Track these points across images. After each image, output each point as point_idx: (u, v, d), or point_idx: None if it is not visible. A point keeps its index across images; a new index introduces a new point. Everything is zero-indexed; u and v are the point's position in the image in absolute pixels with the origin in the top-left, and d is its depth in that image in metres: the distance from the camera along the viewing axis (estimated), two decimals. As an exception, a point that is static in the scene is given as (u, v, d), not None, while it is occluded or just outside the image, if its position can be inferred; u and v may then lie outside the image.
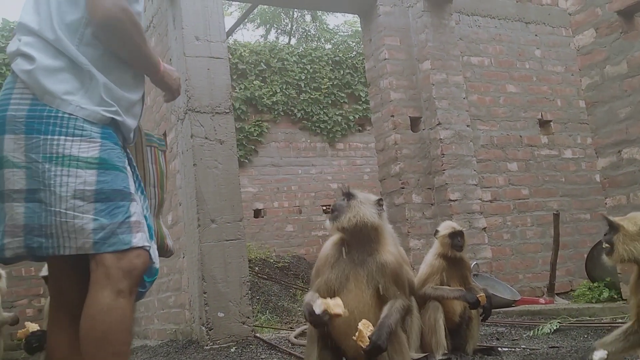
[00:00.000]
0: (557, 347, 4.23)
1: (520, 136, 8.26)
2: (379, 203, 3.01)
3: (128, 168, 2.11)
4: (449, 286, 4.16)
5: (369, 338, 2.59)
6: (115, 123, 2.09)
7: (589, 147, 8.18)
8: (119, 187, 2.00)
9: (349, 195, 2.95)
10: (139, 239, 2.01)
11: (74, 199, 1.91)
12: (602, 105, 5.48)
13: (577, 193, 8.43)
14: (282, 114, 12.13)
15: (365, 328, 2.63)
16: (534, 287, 7.63)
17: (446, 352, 3.96)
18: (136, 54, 2.16)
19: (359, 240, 2.89)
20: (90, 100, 2.02)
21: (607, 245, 2.55)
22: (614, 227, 2.52)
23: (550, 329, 4.79)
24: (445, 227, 4.36)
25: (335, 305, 2.65)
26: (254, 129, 11.71)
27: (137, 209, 2.05)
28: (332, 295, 2.80)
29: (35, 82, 1.97)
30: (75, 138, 1.95)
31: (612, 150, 5.40)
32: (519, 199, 8.04)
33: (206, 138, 6.05)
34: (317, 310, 2.62)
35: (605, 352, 2.52)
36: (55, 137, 1.94)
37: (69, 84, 2.00)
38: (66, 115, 1.96)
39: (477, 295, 4.05)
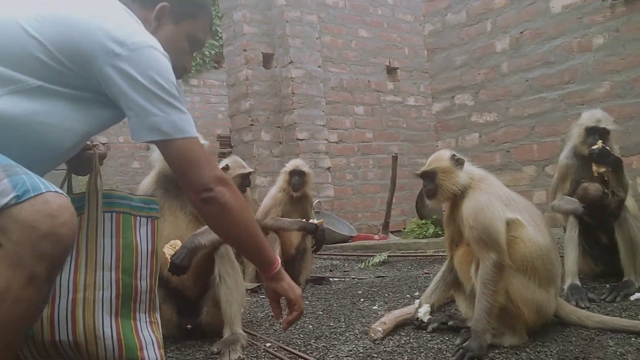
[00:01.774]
0: (382, 276, 4.50)
1: (369, 81, 8.49)
2: None
3: None
4: (290, 219, 4.29)
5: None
6: None
7: (430, 96, 8.63)
8: None
9: None
10: None
11: None
12: (441, 52, 5.76)
13: (416, 138, 8.91)
14: (133, 43, 11.39)
15: (172, 249, 2.59)
16: (371, 225, 8.03)
17: None
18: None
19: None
20: None
21: (430, 194, 2.67)
22: (430, 174, 2.65)
23: (379, 261, 5.06)
24: (290, 164, 4.44)
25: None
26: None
27: None
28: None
29: None
30: None
31: (447, 95, 5.73)
32: (363, 142, 8.33)
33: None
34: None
35: (428, 305, 2.71)
36: None
37: None
38: None
39: (316, 222, 4.24)
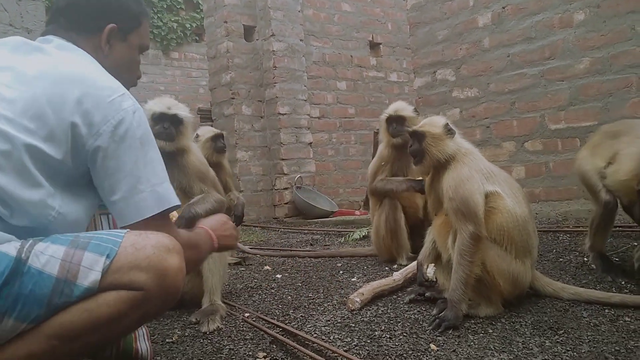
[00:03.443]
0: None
1: (351, 56, 8.43)
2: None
3: None
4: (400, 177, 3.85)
5: None
6: None
7: (412, 72, 8.60)
8: None
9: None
10: None
11: None
12: (423, 26, 5.72)
13: (399, 115, 8.86)
14: (110, 14, 11.16)
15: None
16: (353, 201, 8.05)
17: None
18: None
19: None
20: None
21: (415, 155, 2.66)
22: (419, 135, 2.64)
23: (359, 235, 5.08)
24: (389, 109, 3.95)
25: None
26: (77, 27, 10.66)
27: None
28: None
29: None
30: None
31: (429, 70, 5.72)
32: (345, 117, 8.30)
33: (11, 25, 5.35)
34: None
35: (433, 264, 2.70)
36: None
37: None
38: None
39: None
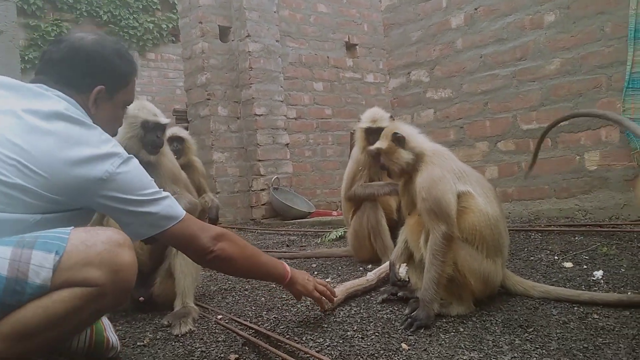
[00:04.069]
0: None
1: (328, 57, 8.44)
2: None
3: None
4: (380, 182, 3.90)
5: None
6: None
7: (388, 73, 8.65)
8: None
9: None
10: None
11: None
12: (397, 28, 5.76)
13: (375, 115, 8.89)
14: (85, 14, 11.02)
15: None
16: (330, 202, 8.06)
17: None
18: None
19: None
20: None
21: (383, 168, 2.74)
22: (374, 153, 2.70)
23: (336, 236, 5.09)
24: (365, 118, 3.92)
25: None
26: (52, 29, 10.51)
27: None
28: None
29: None
30: None
31: (403, 71, 5.75)
32: (322, 118, 8.31)
33: (-20, 25, 5.26)
34: None
35: (405, 264, 2.72)
36: None
37: None
38: None
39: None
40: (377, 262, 3.56)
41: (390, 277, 2.74)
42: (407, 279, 2.67)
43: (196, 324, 2.56)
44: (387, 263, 2.99)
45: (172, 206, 1.84)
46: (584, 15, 4.45)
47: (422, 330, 2.28)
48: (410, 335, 2.25)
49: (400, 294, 2.69)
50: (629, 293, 2.61)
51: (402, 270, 2.67)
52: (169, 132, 4.01)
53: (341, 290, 2.74)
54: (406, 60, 5.70)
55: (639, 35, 4.14)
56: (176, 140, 4.23)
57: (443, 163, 2.57)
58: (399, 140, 2.63)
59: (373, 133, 3.70)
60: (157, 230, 1.80)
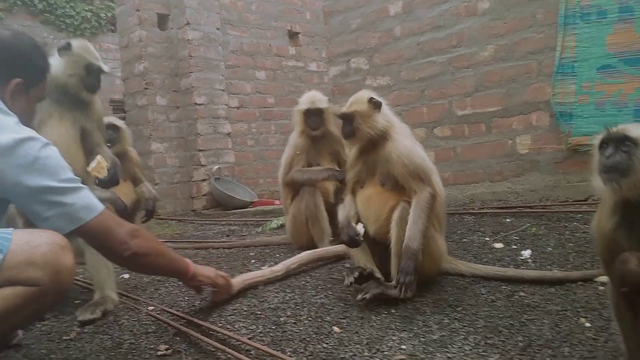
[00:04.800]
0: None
1: (270, 45, 8.36)
2: None
3: None
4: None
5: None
6: None
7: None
8: None
9: None
10: None
11: None
12: (337, 15, 5.75)
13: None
14: (19, 2, 10.52)
15: (98, 170, 2.83)
16: (273, 191, 8.00)
17: None
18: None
19: None
20: None
21: (348, 135, 2.67)
22: (348, 116, 2.64)
23: (276, 224, 5.06)
24: (304, 101, 3.84)
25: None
26: (-18, 18, 10.03)
27: None
28: None
29: None
30: None
31: (343, 59, 5.76)
32: (265, 107, 8.23)
33: None
34: None
35: (362, 223, 2.62)
36: None
37: None
38: None
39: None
40: (313, 248, 3.55)
41: (346, 233, 2.58)
42: (362, 237, 2.58)
43: (125, 316, 2.50)
44: (299, 255, 3.09)
45: (90, 197, 1.83)
46: (517, 3, 4.55)
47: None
48: (342, 319, 2.26)
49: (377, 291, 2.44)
50: (554, 270, 2.70)
51: (359, 227, 2.60)
52: (104, 119, 3.88)
53: (238, 281, 2.64)
54: (346, 47, 5.71)
55: (569, 21, 4.27)
56: (111, 128, 4.09)
57: (410, 136, 2.69)
58: (375, 104, 2.61)
59: (312, 115, 3.72)
60: (76, 224, 1.77)
